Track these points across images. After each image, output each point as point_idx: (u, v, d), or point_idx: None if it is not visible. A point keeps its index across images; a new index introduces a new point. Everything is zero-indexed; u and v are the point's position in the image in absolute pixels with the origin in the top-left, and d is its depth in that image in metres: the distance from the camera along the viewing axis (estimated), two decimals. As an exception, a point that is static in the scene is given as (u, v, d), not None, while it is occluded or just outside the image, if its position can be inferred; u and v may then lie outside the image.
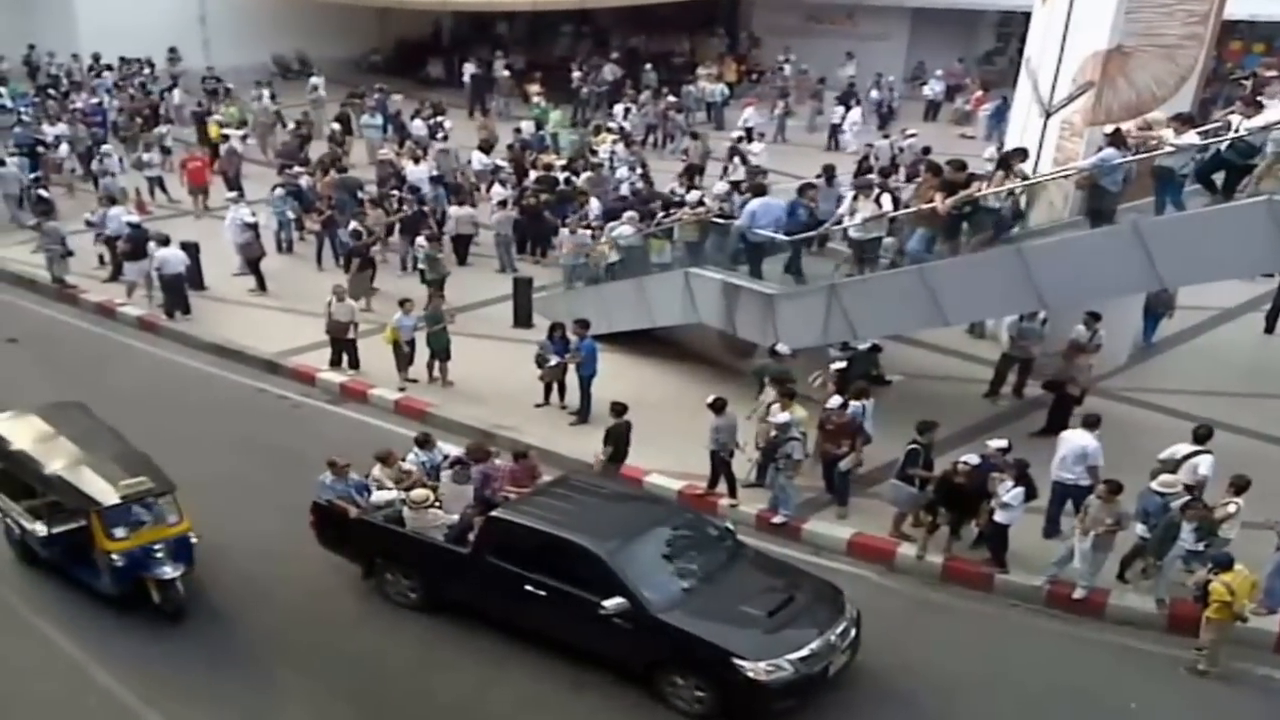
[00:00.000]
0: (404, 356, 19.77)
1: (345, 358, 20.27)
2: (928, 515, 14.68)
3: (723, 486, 16.06)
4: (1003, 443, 14.64)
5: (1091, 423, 15.05)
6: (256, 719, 12.13)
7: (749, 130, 32.02)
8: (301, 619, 13.70)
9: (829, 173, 20.82)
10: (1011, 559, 14.36)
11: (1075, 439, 14.91)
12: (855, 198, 18.58)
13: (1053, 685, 12.70)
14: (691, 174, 28.25)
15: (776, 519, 15.53)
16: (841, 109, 36.10)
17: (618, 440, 16.12)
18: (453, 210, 25.76)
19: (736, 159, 29.11)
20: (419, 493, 13.82)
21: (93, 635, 13.22)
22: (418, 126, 32.86)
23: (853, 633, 12.34)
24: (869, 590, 13.67)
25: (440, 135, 31.44)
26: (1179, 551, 13.51)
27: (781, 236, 18.70)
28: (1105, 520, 13.64)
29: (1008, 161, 17.47)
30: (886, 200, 18.43)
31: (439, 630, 13.47)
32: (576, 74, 39.32)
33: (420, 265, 22.84)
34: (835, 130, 35.77)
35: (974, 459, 14.28)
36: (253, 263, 23.97)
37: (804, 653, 11.71)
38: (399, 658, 13.06)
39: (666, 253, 21.34)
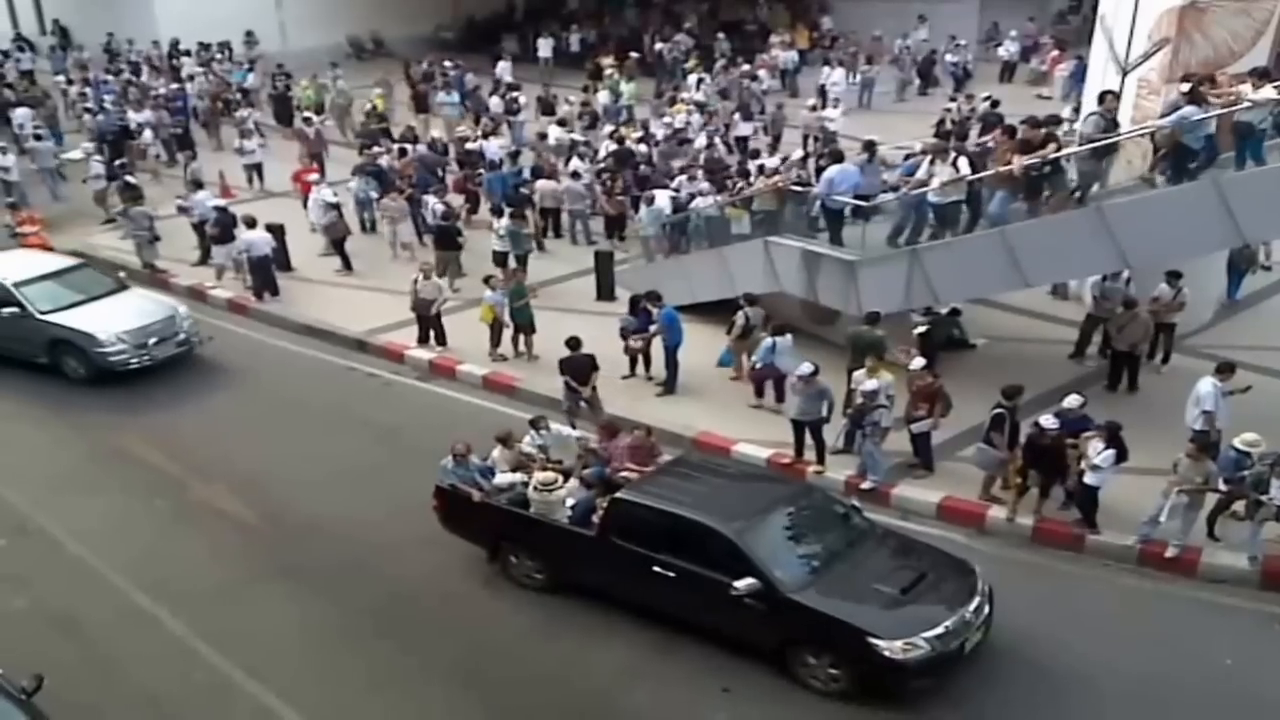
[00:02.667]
0: (497, 332, 20.12)
1: (433, 335, 20.72)
2: (1017, 477, 14.79)
3: (812, 454, 16.24)
4: (1079, 399, 14.74)
5: (1222, 369, 15.11)
6: (357, 690, 12.51)
7: (823, 95, 32.06)
8: (405, 596, 14.08)
9: (869, 148, 20.63)
10: (1103, 519, 14.44)
11: (1198, 385, 15.06)
12: (932, 161, 18.54)
13: (1149, 644, 12.81)
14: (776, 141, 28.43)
15: (865, 485, 15.69)
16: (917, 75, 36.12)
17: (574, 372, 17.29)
18: (539, 184, 26.14)
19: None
20: (544, 476, 13.94)
21: (199, 612, 13.78)
22: (495, 103, 33.27)
23: (986, 609, 12.35)
24: (963, 554, 13.58)
25: (516, 110, 31.81)
26: (1269, 509, 13.51)
27: (861, 202, 18.72)
28: (1194, 479, 13.69)
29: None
30: (963, 163, 18.42)
31: (540, 605, 13.80)
32: (659, 45, 39.35)
33: (500, 239, 23.19)
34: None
35: (1052, 421, 14.40)
36: (338, 243, 24.50)
37: (939, 630, 11.78)
38: (499, 633, 13.38)
39: (745, 222, 21.46)
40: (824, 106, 30.82)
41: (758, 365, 18.02)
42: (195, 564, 14.73)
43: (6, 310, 19.71)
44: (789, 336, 17.80)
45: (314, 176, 26.30)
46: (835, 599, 12.03)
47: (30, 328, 19.62)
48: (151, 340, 19.63)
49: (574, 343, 17.63)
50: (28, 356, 19.77)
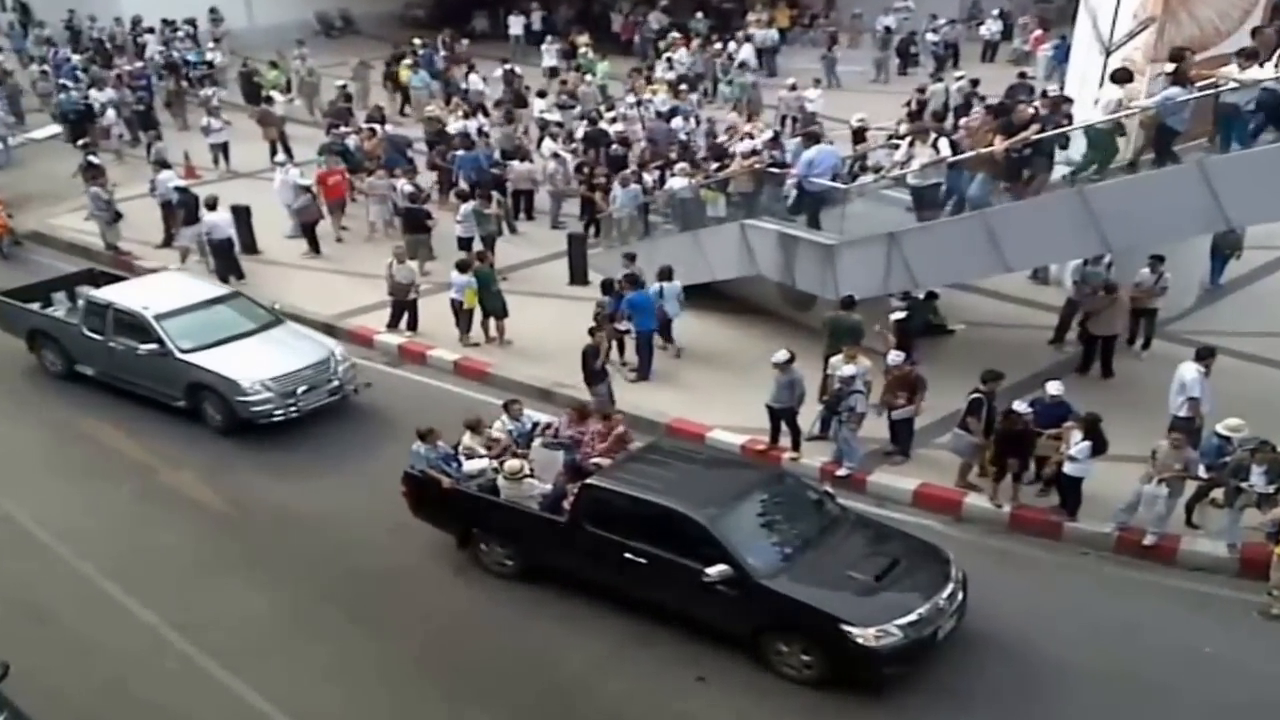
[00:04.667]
0: (467, 318, 20.18)
1: (405, 319, 20.76)
2: (993, 464, 14.91)
3: (786, 440, 16.34)
4: (1059, 386, 14.89)
5: (1202, 355, 15.22)
6: (328, 677, 12.61)
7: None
8: (376, 583, 14.17)
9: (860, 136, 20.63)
10: (1081, 506, 14.56)
11: (1180, 370, 15.17)
12: (911, 143, 18.66)
13: (1127, 631, 12.93)
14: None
15: (840, 471, 15.79)
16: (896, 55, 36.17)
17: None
18: (513, 166, 26.12)
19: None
20: (513, 464, 14.05)
21: (170, 600, 13.81)
22: (475, 81, 33.26)
23: (960, 596, 12.48)
24: (938, 541, 13.71)
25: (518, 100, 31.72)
26: (1249, 496, 13.65)
27: (839, 184, 18.88)
28: (1174, 465, 13.83)
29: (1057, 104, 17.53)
30: (944, 145, 18.50)
31: (511, 592, 13.88)
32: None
33: (461, 223, 23.12)
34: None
35: (1024, 406, 14.59)
36: (308, 226, 24.47)
37: (912, 617, 11.87)
38: (473, 621, 13.47)
39: (721, 205, 21.56)
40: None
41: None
42: (165, 552, 14.75)
43: (145, 348, 17.86)
44: (678, 283, 18.85)
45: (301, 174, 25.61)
46: (808, 585, 12.14)
47: (170, 368, 17.74)
48: (301, 389, 17.56)
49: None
50: (165, 399, 18.01)
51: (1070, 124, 17.35)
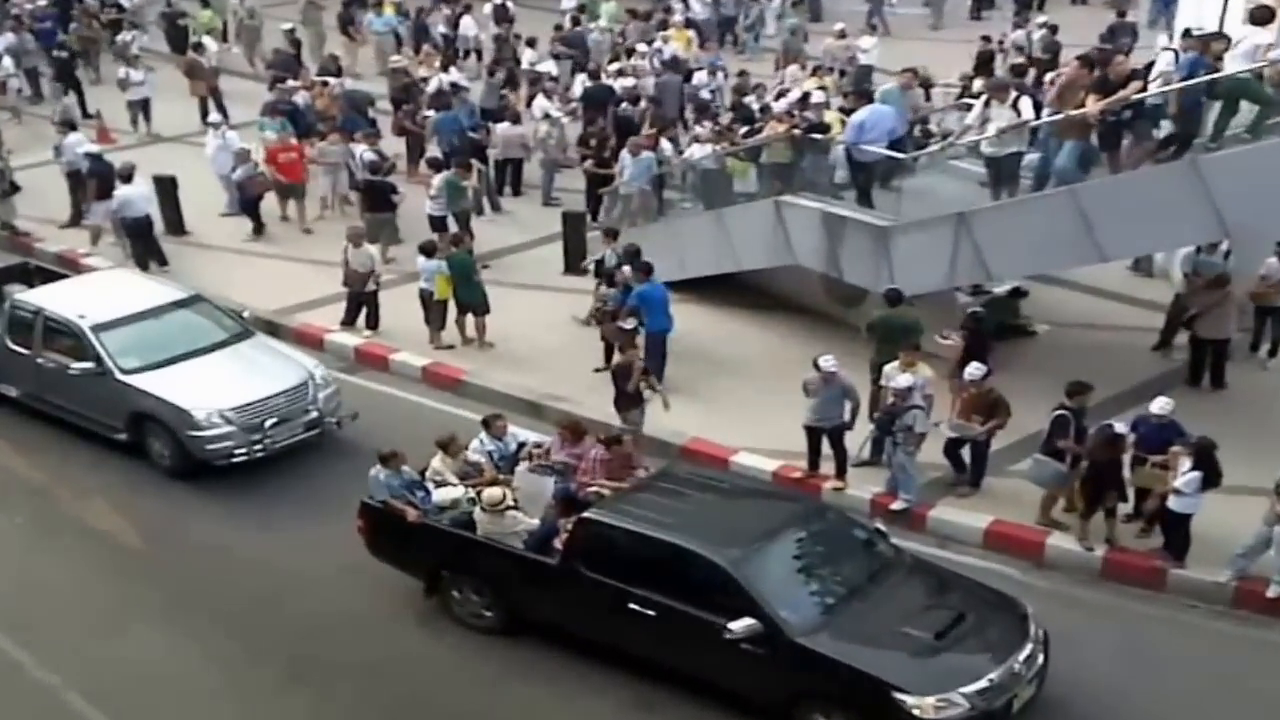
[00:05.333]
0: (439, 314, 20.29)
1: (363, 316, 20.87)
2: (1083, 497, 14.88)
3: (828, 466, 16.30)
4: (1167, 404, 14.81)
5: None
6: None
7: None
8: (324, 637, 14.12)
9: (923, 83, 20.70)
10: (1190, 549, 14.52)
11: None
12: (987, 103, 18.62)
13: (1246, 704, 12.86)
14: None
15: (895, 504, 15.76)
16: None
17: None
18: (499, 129, 26.25)
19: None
20: (493, 492, 13.95)
21: (73, 655, 13.77)
22: (468, 25, 33.39)
23: (1040, 658, 12.42)
24: (1014, 591, 13.65)
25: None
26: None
27: (896, 153, 19.00)
28: (1305, 501, 13.74)
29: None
30: (1026, 105, 18.45)
31: (489, 650, 13.84)
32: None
33: (434, 199, 23.22)
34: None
35: (1122, 426, 14.56)
36: (252, 201, 24.56)
37: (981, 684, 11.82)
38: (441, 684, 13.42)
39: (752, 177, 21.59)
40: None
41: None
42: (66, 596, 14.74)
43: (78, 366, 17.36)
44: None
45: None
46: (854, 644, 12.08)
47: (109, 393, 17.21)
48: (270, 421, 17.01)
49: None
50: (103, 430, 17.55)
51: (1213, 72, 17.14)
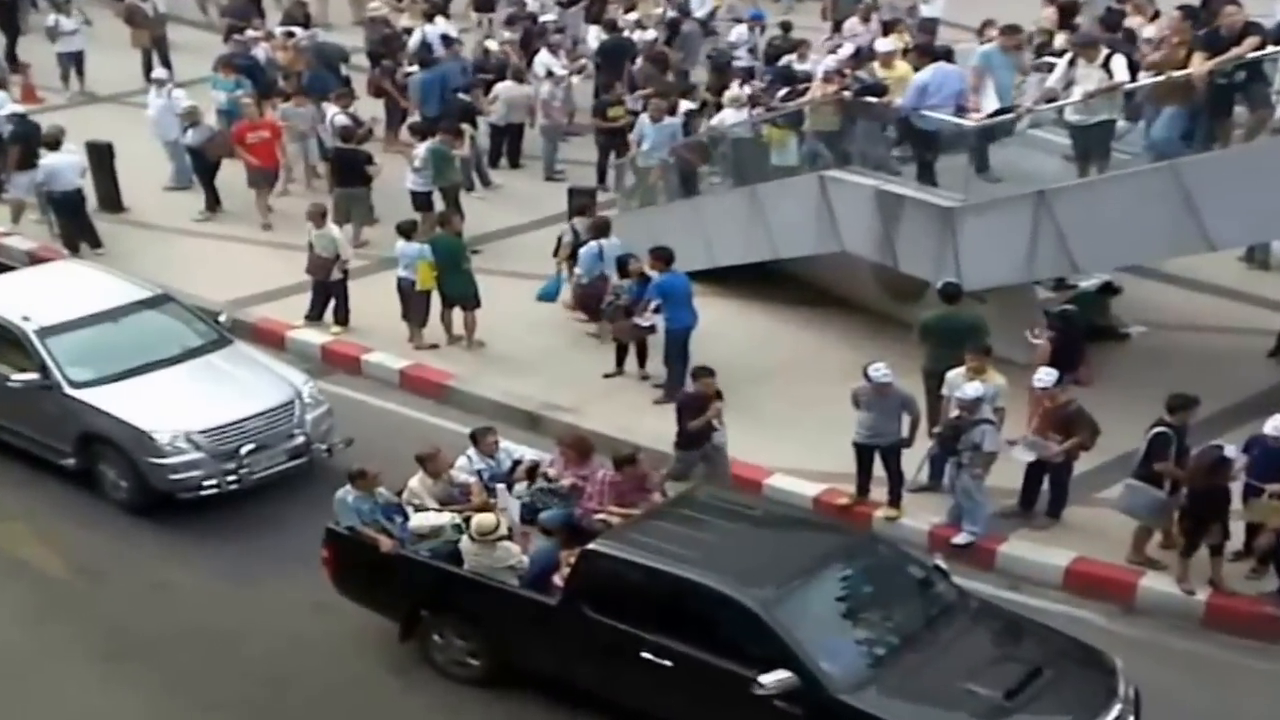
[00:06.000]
0: (421, 307, 20.38)
1: (331, 309, 20.95)
2: (1184, 531, 14.81)
3: (880, 492, 16.31)
4: None
5: None
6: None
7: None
8: (284, 686, 14.09)
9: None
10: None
11: None
12: (1072, 62, 18.57)
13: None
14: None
15: (960, 538, 15.77)
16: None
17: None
18: (501, 88, 26.31)
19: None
20: (484, 519, 13.86)
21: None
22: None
23: None
24: (1099, 641, 13.63)
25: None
26: None
27: (963, 121, 18.91)
28: None
29: None
30: (1119, 65, 18.41)
31: (475, 704, 13.83)
32: None
33: (417, 171, 23.31)
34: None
35: (1232, 450, 14.47)
36: (210, 170, 24.64)
37: None
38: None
39: (792, 148, 21.61)
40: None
41: (584, 281, 19.43)
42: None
43: (19, 378, 17.15)
44: (616, 240, 19.42)
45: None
46: (907, 703, 12.05)
47: (56, 409, 17.04)
48: (246, 447, 16.83)
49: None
50: (49, 455, 17.36)
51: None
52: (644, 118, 23.95)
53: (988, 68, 19.86)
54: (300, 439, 17.28)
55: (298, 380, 17.93)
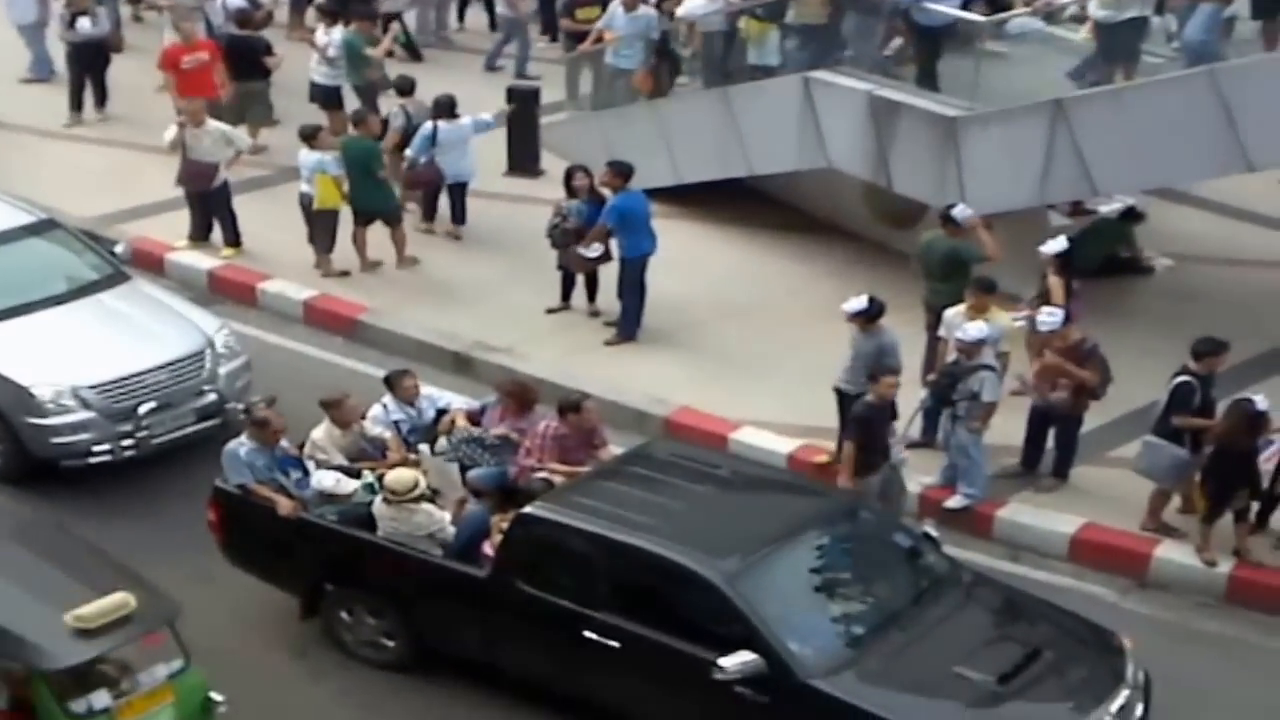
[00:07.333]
0: (326, 226, 20.78)
1: (219, 228, 21.46)
2: (1205, 495, 15.43)
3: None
4: None
5: None
6: None
7: None
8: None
9: None
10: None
11: None
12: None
13: None
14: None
15: (954, 501, 16.33)
16: None
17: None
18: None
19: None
20: (400, 476, 14.11)
21: None
22: None
23: (1139, 708, 12.82)
24: (1108, 619, 14.18)
25: None
26: None
27: (972, 15, 19.64)
28: None
29: None
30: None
31: (391, 691, 14.07)
32: None
33: (327, 62, 23.87)
34: None
35: (1264, 401, 15.02)
36: (92, 57, 25.11)
37: None
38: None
39: (772, 45, 22.22)
40: None
41: (418, 164, 20.66)
42: None
43: None
44: (465, 120, 20.67)
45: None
46: (889, 690, 12.43)
47: None
48: (146, 406, 16.83)
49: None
50: None
51: None
52: (616, 6, 24.05)
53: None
54: (211, 396, 17.30)
55: (209, 326, 17.92)
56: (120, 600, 11.50)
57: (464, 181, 21.90)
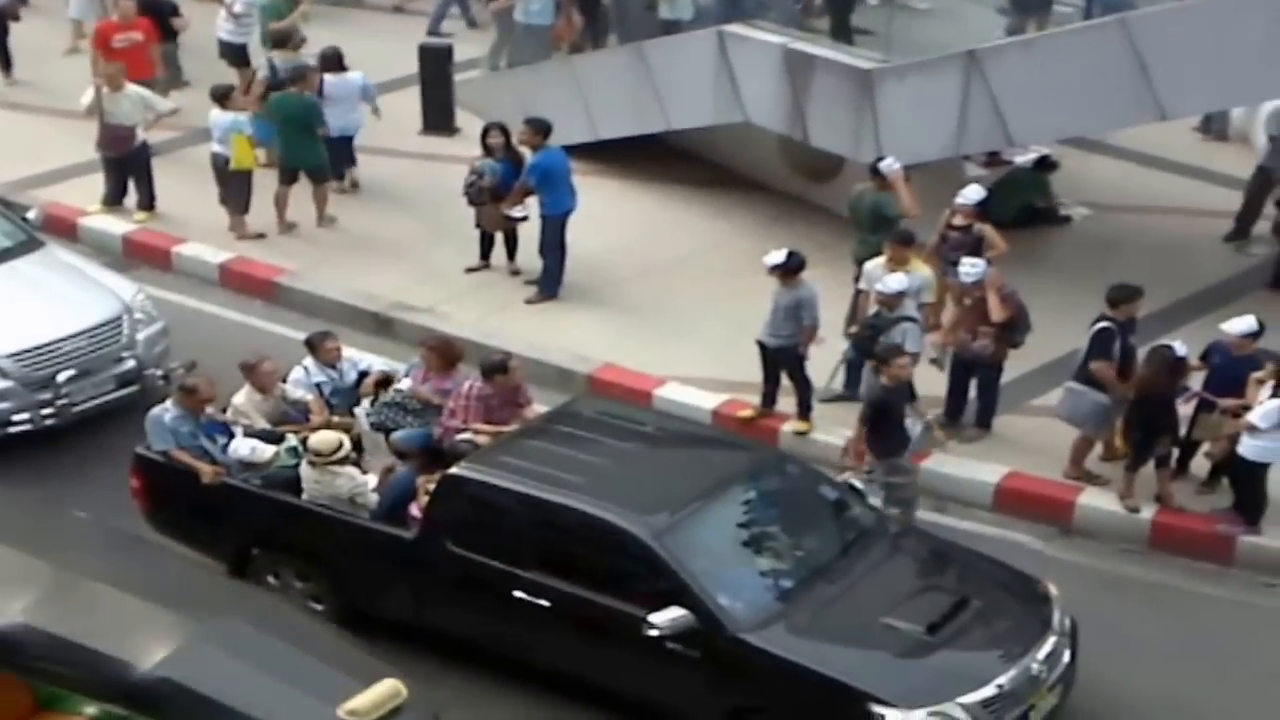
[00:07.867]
0: (240, 188, 20.74)
1: (133, 190, 21.43)
2: (1127, 441, 15.69)
3: (788, 403, 17.07)
4: (1248, 322, 15.49)
5: None
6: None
7: None
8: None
9: None
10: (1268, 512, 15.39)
11: None
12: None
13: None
14: None
15: (877, 453, 16.54)
16: None
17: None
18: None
19: None
20: (324, 438, 14.24)
21: None
22: None
23: (1066, 655, 13.00)
24: (1034, 567, 14.39)
25: None
26: None
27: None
28: None
29: None
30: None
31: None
32: None
33: (236, 18, 23.79)
34: None
35: (1183, 347, 15.26)
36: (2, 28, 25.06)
37: (988, 691, 12.29)
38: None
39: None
40: None
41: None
42: None
43: None
44: (354, 75, 21.20)
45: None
46: (818, 641, 12.66)
47: None
48: (64, 374, 16.82)
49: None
50: None
51: None
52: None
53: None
54: (130, 363, 17.32)
55: (126, 292, 17.93)
56: (392, 689, 11.06)
57: (349, 136, 21.88)
